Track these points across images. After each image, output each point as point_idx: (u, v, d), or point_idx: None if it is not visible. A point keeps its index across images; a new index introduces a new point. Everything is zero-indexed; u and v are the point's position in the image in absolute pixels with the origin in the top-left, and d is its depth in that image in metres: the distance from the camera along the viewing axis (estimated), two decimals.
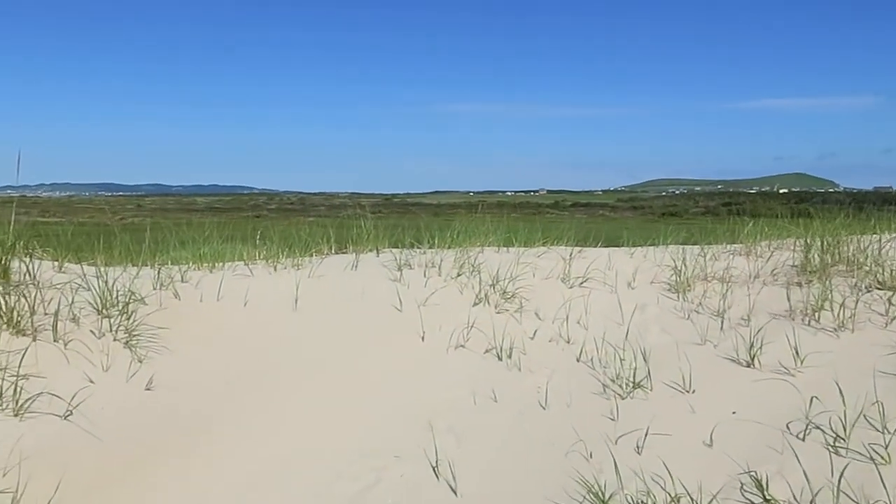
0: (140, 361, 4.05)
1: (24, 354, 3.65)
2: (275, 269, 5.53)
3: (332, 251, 6.72)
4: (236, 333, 4.59)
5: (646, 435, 3.62)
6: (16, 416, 3.34)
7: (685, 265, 6.12)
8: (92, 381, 3.74)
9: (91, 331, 4.14)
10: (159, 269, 4.98)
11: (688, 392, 4.09)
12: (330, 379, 4.31)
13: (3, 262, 4.39)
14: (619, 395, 4.15)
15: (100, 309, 4.32)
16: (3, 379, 3.46)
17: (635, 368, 4.26)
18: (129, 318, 4.31)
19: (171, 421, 3.70)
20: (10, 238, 4.77)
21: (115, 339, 4.14)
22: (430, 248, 6.59)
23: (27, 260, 4.59)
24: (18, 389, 3.42)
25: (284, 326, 4.75)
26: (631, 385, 4.20)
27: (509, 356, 4.71)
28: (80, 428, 3.37)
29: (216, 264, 5.59)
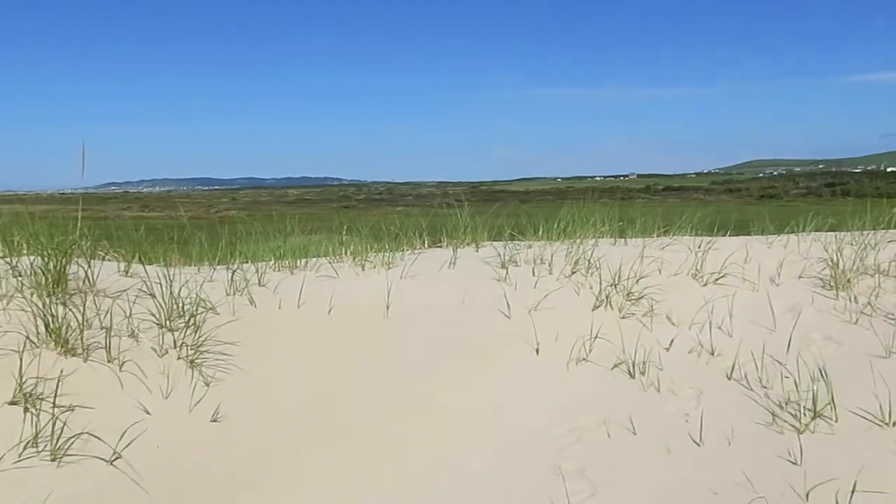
0: (207, 385, 3.42)
1: (59, 382, 3.05)
2: (362, 269, 4.86)
3: (426, 245, 6.04)
4: (319, 347, 3.92)
5: (853, 491, 2.74)
6: (53, 460, 2.75)
7: (840, 256, 5.15)
8: (148, 412, 3.12)
9: (152, 348, 3.54)
10: (233, 272, 4.35)
11: (887, 425, 3.19)
12: (429, 404, 3.59)
13: (58, 267, 3.83)
14: (794, 427, 3.28)
15: (163, 321, 3.72)
16: (39, 411, 2.88)
17: (815, 391, 3.36)
18: (196, 332, 3.69)
19: (239, 461, 3.05)
20: (70, 240, 4.26)
21: (178, 358, 3.53)
22: (536, 238, 5.85)
23: (87, 264, 4.02)
24: (59, 426, 2.82)
25: (374, 339, 4.06)
26: (809, 413, 3.31)
27: (643, 372, 3.89)
28: (128, 476, 2.75)
29: (298, 263, 4.96)
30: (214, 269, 4.83)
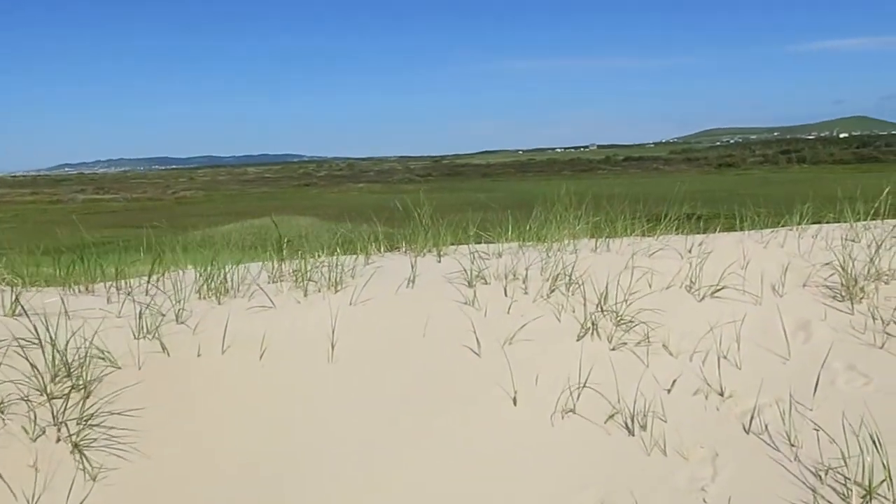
0: (93, 479, 2.65)
1: None
2: (304, 295, 4.08)
3: (381, 250, 5.31)
4: (247, 409, 3.16)
5: None
6: None
7: (851, 259, 4.55)
8: None
9: (23, 428, 2.75)
10: (141, 311, 3.55)
11: None
12: (381, 483, 2.86)
13: None
14: None
15: (44, 387, 2.93)
16: None
17: (869, 465, 2.70)
18: (85, 399, 2.92)
19: None
20: None
21: (58, 440, 2.75)
22: (506, 239, 5.19)
23: None
24: None
25: (316, 391, 3.31)
26: (859, 491, 2.66)
27: (643, 426, 3.20)
28: None
29: (229, 285, 4.16)
30: (128, 294, 4.04)
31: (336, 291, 4.13)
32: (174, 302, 3.77)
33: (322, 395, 3.28)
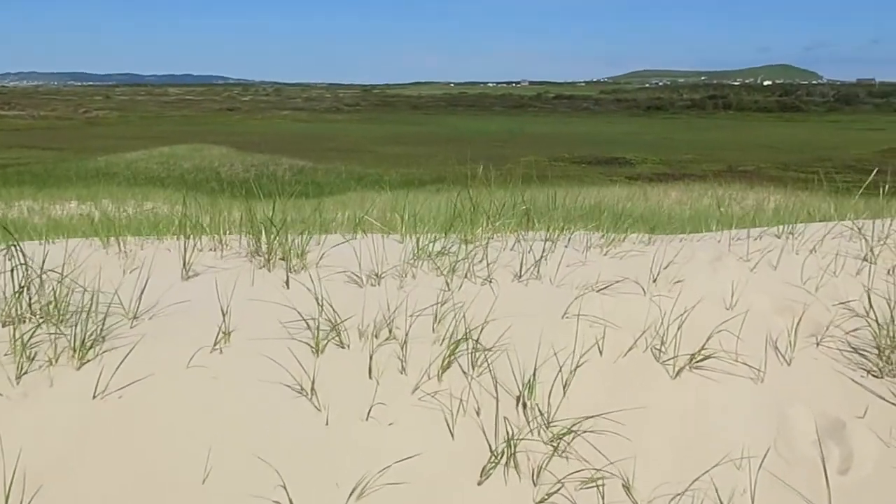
0: None
1: None
2: (16, 377, 2.34)
3: (224, 243, 3.67)
4: None
5: None
6: None
7: (889, 303, 3.12)
8: None
9: None
10: None
11: None
12: None
13: None
14: None
15: None
16: None
17: None
18: None
19: None
20: None
21: None
22: (408, 232, 3.68)
23: None
24: None
25: None
26: None
27: None
28: None
29: None
30: None
31: (81, 364, 2.41)
32: None
33: None
